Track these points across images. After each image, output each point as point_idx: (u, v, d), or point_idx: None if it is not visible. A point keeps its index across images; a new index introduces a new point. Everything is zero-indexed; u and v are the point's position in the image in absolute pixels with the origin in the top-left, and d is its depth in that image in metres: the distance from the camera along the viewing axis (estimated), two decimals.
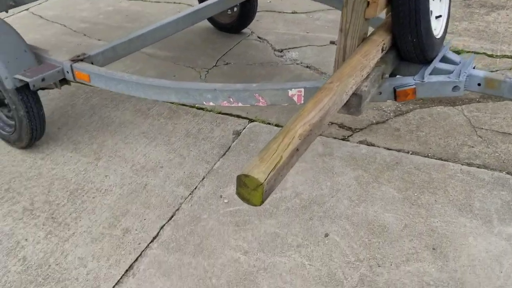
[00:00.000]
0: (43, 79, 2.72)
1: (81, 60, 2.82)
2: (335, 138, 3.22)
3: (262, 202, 1.46)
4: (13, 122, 3.02)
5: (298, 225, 2.53)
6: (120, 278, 2.26)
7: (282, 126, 2.02)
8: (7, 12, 3.36)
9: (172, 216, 2.61)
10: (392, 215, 2.56)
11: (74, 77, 2.78)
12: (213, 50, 4.53)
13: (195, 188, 2.81)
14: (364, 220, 2.54)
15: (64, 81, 2.89)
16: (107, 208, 2.67)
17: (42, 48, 3.03)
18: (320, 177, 2.86)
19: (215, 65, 4.28)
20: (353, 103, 2.09)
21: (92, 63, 2.88)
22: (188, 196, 2.75)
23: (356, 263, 2.29)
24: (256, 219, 2.58)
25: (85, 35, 5.03)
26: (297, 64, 4.23)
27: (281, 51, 4.48)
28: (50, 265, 2.33)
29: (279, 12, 5.35)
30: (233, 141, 3.22)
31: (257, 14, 4.79)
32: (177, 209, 2.65)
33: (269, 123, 3.39)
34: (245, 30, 4.86)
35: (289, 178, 2.85)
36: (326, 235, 2.47)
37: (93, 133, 3.36)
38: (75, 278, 2.27)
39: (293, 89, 2.41)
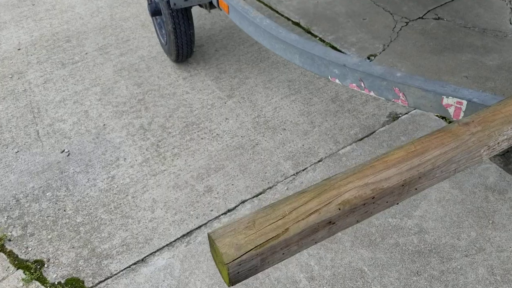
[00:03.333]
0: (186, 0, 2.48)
1: None
2: None
3: (231, 284, 0.96)
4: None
5: (391, 277, 1.86)
6: (174, 241, 2.06)
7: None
8: None
9: (260, 194, 2.22)
10: None
11: (218, 3, 2.45)
12: None
13: (303, 170, 2.32)
14: None
15: (212, 5, 2.59)
16: (207, 156, 2.44)
17: None
18: (466, 220, 2.03)
19: (421, 17, 3.37)
20: None
21: None
22: (290, 176, 2.29)
23: None
24: (350, 247, 2.00)
25: None
26: None
27: None
28: (127, 195, 2.27)
29: None
30: (382, 126, 2.52)
31: None
32: (270, 188, 2.25)
33: (443, 118, 2.53)
34: None
35: (422, 197, 2.10)
36: None
37: (242, 65, 3.06)
38: (137, 220, 2.16)
39: (450, 98, 1.62)
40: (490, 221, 2.02)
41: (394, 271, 1.88)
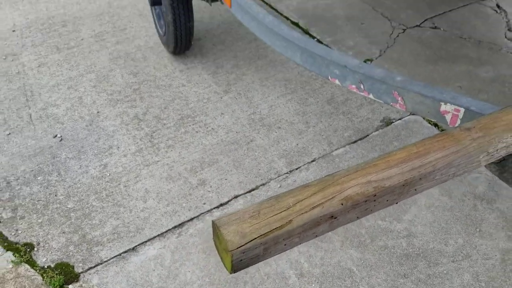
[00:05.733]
0: None
1: None
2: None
3: (233, 271, 0.97)
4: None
5: (379, 278, 1.89)
6: (165, 232, 2.06)
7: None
8: None
9: (253, 189, 2.23)
10: None
11: None
12: (426, 6, 3.62)
13: (296, 169, 2.34)
14: None
15: None
16: (201, 149, 2.44)
17: None
18: (454, 227, 2.07)
19: (418, 25, 3.42)
20: None
21: None
22: (284, 174, 2.31)
23: None
24: (339, 246, 2.02)
25: None
26: None
27: None
28: (119, 184, 2.27)
29: None
30: (376, 130, 2.56)
31: None
32: (263, 184, 2.26)
33: (436, 125, 2.58)
34: None
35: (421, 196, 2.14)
36: None
37: (239, 61, 3.07)
38: (129, 209, 2.16)
39: (448, 104, 1.65)
40: (478, 229, 2.06)
41: (382, 272, 1.91)
